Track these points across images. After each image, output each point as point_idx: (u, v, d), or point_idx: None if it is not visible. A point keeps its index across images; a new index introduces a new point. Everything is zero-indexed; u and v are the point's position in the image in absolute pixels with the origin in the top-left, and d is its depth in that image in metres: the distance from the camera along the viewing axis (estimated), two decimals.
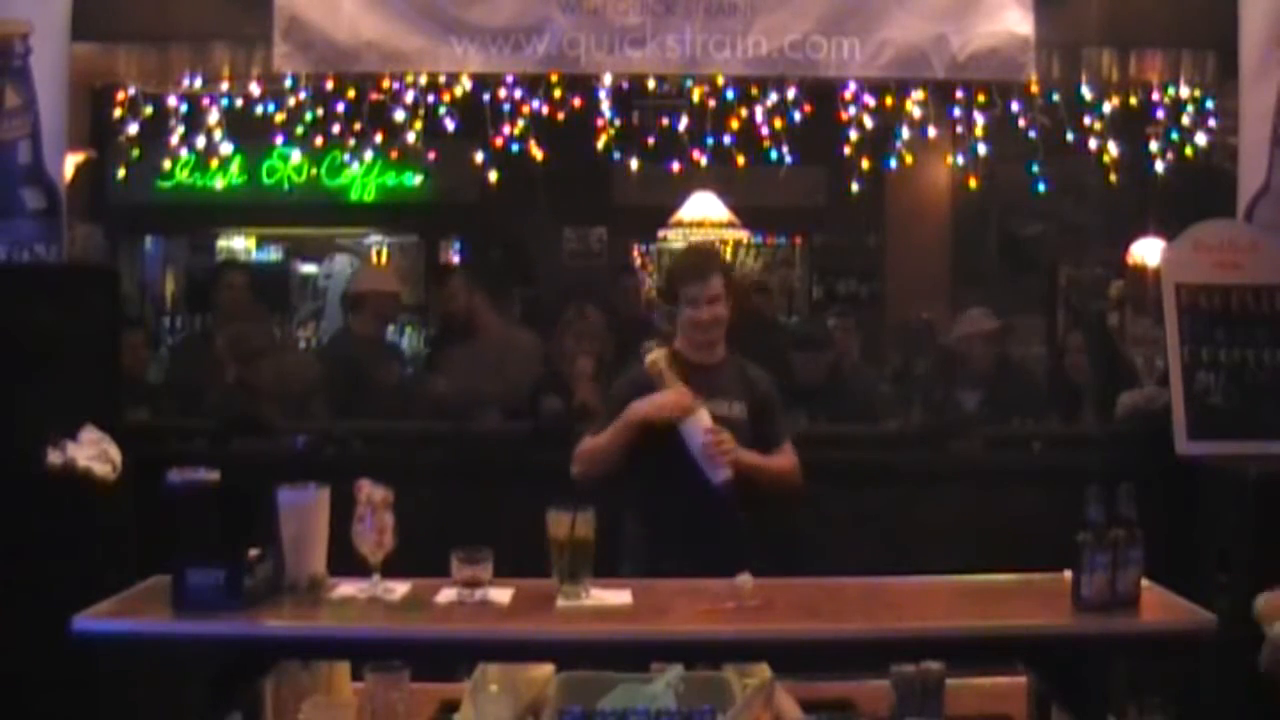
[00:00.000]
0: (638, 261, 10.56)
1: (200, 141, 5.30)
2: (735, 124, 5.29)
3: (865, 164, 5.40)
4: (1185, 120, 5.18)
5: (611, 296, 7.22)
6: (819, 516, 4.68)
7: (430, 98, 5.12)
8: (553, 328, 5.77)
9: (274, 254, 11.12)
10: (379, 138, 5.31)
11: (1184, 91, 5.11)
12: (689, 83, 5.17)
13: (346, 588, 2.98)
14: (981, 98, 5.10)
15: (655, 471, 3.71)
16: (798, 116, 5.21)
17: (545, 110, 5.14)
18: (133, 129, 5.18)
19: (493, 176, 5.55)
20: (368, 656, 3.03)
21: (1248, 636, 3.68)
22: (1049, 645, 2.91)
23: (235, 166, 8.82)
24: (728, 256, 10.48)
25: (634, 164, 5.55)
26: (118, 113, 5.17)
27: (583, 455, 3.77)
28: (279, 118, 5.15)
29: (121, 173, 5.70)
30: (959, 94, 5.12)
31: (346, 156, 6.92)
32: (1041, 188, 5.48)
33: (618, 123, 5.33)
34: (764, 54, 4.89)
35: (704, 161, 5.56)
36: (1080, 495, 2.89)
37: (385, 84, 5.07)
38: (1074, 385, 6.06)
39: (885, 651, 3.09)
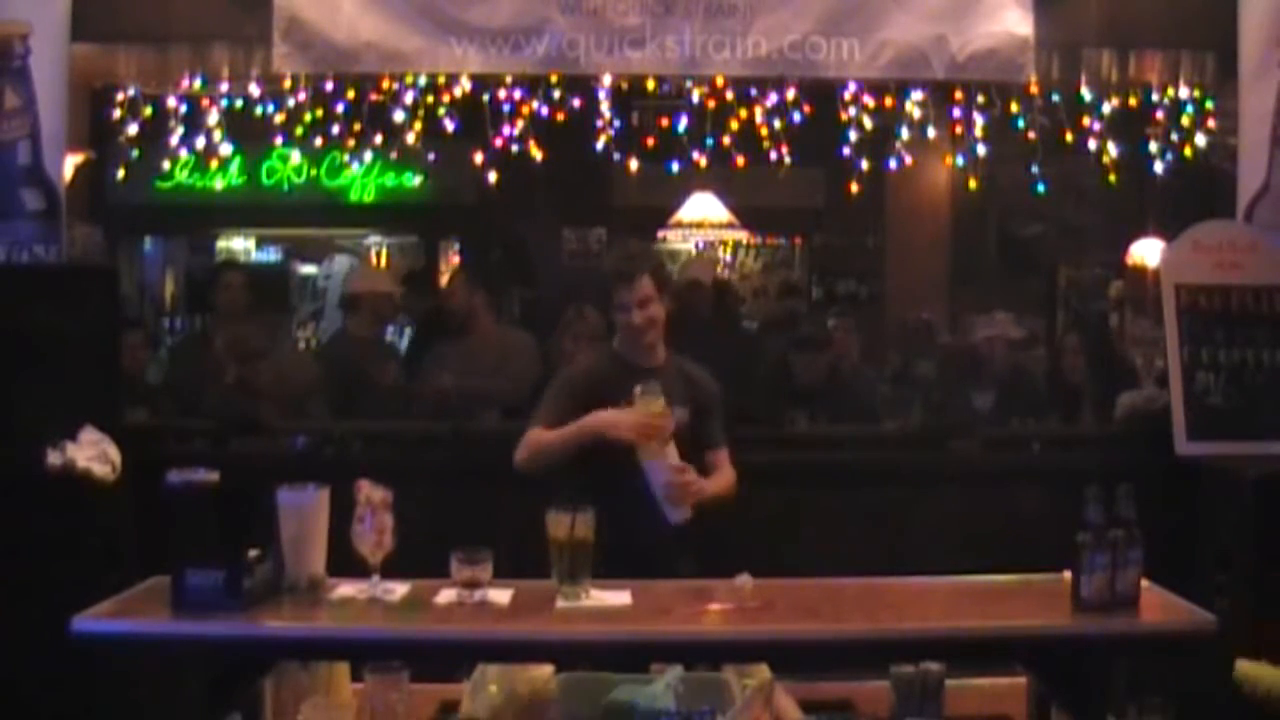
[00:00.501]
0: None
1: (200, 142, 5.29)
2: (735, 124, 5.29)
3: (865, 164, 5.39)
4: (1185, 121, 5.18)
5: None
6: (819, 517, 4.69)
7: (430, 98, 5.12)
8: (552, 328, 5.76)
9: (274, 255, 11.11)
10: (379, 138, 5.30)
11: (1183, 92, 5.11)
12: (689, 83, 5.16)
13: (346, 588, 2.98)
14: (981, 98, 5.10)
15: (607, 479, 3.52)
16: (797, 117, 5.21)
17: (545, 111, 5.14)
18: (132, 129, 5.17)
19: (492, 177, 5.54)
20: (367, 657, 3.03)
21: (1247, 636, 3.69)
22: (1049, 646, 2.92)
23: (235, 167, 8.81)
24: (726, 256, 10.52)
25: (634, 165, 5.54)
26: (117, 113, 5.16)
27: (531, 446, 3.64)
28: (279, 118, 5.14)
29: (121, 173, 5.69)
30: (959, 94, 5.12)
31: (346, 157, 6.96)
32: (1041, 188, 5.48)
33: (617, 123, 5.32)
34: (764, 54, 4.89)
35: (704, 162, 5.54)
36: (1080, 495, 2.89)
37: (385, 84, 5.07)
38: (1073, 386, 6.07)
39: (885, 651, 3.09)
